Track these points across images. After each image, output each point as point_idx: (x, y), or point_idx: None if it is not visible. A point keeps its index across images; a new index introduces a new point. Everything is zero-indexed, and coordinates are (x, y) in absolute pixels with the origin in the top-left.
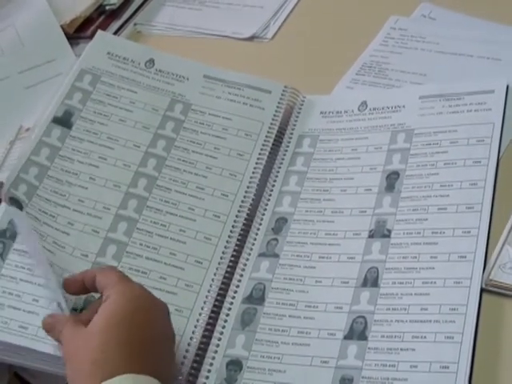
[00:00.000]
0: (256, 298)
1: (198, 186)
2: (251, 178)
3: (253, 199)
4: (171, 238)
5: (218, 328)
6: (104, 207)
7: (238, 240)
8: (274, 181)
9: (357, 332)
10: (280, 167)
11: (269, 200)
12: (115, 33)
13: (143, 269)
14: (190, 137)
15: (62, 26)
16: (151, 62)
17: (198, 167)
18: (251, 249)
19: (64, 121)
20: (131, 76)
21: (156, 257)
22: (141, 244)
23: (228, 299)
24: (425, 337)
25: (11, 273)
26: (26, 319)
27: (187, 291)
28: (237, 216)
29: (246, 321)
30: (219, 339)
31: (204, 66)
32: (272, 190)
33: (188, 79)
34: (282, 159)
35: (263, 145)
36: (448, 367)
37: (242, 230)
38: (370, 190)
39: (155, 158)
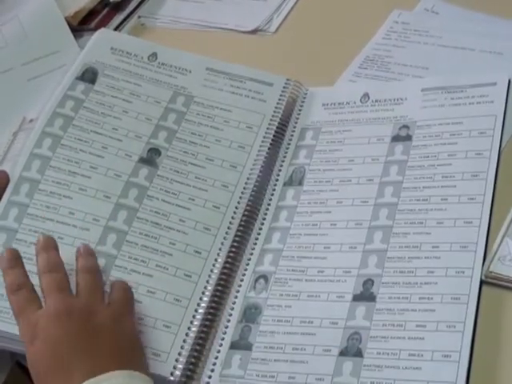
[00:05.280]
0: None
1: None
2: (251, 169)
3: (253, 190)
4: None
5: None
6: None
7: (238, 231)
8: (278, 175)
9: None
10: (283, 160)
11: (272, 194)
12: (119, 25)
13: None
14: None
15: (66, 18)
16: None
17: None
18: (255, 243)
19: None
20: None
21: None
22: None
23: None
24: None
25: None
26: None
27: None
28: (236, 207)
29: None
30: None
31: (207, 58)
32: (276, 184)
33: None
34: (285, 152)
35: (264, 137)
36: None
37: (242, 221)
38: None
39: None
